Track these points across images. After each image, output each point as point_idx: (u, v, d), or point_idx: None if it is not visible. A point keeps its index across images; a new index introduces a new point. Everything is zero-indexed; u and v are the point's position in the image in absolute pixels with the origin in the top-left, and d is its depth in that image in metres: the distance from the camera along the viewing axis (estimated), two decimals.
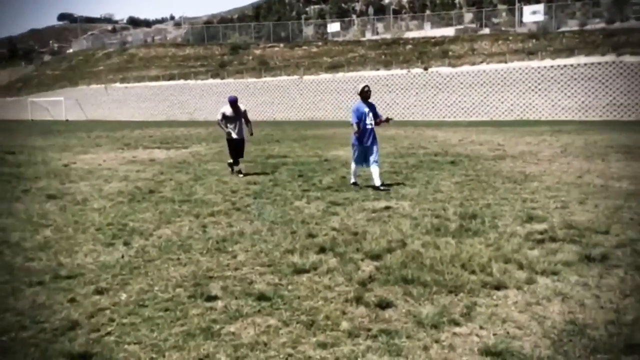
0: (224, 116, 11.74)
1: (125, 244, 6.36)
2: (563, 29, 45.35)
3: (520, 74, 37.06)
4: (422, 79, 41.52)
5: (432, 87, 41.00)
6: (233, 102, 11.55)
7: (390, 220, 7.12)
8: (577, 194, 8.80)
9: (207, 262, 5.54)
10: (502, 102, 37.75)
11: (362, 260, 5.46)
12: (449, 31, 52.44)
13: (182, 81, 53.77)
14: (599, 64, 33.73)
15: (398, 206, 8.11)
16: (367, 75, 43.19)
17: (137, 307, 4.45)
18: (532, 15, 49.27)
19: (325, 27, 61.72)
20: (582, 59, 34.82)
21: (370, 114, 9.75)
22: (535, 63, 36.85)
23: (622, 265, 5.11)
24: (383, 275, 4.97)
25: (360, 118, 9.66)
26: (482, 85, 38.74)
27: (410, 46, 47.90)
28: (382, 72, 43.58)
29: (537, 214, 7.27)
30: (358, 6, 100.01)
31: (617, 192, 8.97)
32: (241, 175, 11.56)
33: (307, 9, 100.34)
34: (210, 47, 62.15)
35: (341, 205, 8.26)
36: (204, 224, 7.24)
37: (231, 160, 12.03)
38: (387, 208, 7.94)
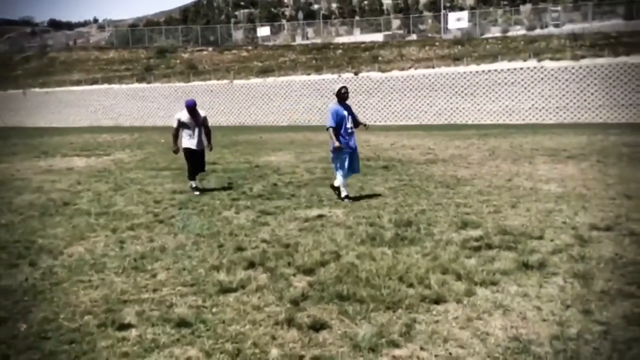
0: (180, 123, 9.99)
1: (31, 264, 5.71)
2: (487, 35, 46.85)
3: (447, 79, 37.89)
4: (352, 84, 41.69)
5: (363, 92, 41.27)
6: (191, 107, 9.86)
7: (323, 230, 6.79)
8: (508, 198, 8.79)
9: (122, 284, 5.00)
10: (431, 107, 38.47)
11: (294, 275, 5.08)
12: (378, 37, 53.08)
13: (105, 85, 51.65)
14: (521, 69, 34.95)
15: (331, 214, 7.80)
16: (298, 80, 42.99)
17: (37, 340, 3.89)
18: (457, 22, 50.65)
19: (255, 31, 61.12)
20: (505, 65, 35.97)
21: (350, 117, 8.99)
22: (461, 68, 37.75)
23: (560, 272, 4.98)
24: (316, 292, 4.62)
25: (340, 123, 8.80)
26: (411, 90, 39.34)
27: (340, 51, 48.11)
28: (314, 77, 43.46)
29: (472, 220, 7.14)
30: (288, 11, 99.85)
31: (546, 195, 9.04)
32: (197, 193, 9.85)
33: (237, 12, 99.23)
34: (136, 50, 60.15)
35: (272, 214, 7.86)
36: (121, 239, 6.65)
37: (193, 183, 10.14)
38: (320, 217, 7.61)
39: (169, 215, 7.98)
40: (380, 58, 44.33)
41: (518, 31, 46.68)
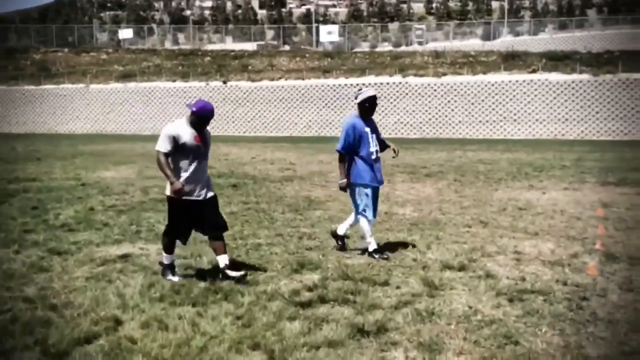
0: (176, 146, 5.07)
1: None
2: (356, 49, 47.43)
3: (317, 91, 37.48)
4: (221, 93, 40.01)
5: (232, 101, 39.72)
6: (208, 116, 5.19)
7: (118, 279, 5.23)
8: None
9: None
10: (301, 118, 37.82)
11: None
12: (251, 46, 51.95)
13: None
14: (387, 83, 35.37)
15: (142, 252, 6.25)
16: (162, 87, 40.51)
17: None
18: (328, 35, 50.90)
19: (117, 33, 57.26)
20: (372, 79, 36.25)
21: (374, 137, 6.26)
22: (331, 81, 37.55)
23: (402, 341, 3.87)
24: None
25: (358, 144, 6.09)
26: (281, 100, 38.45)
27: (209, 58, 46.19)
28: (179, 84, 41.18)
29: (311, 259, 5.95)
30: (158, 15, 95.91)
31: (400, 221, 8.15)
32: (175, 279, 5.26)
33: (102, 14, 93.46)
34: None
35: (63, 253, 6.13)
36: None
37: (168, 259, 5.37)
38: (125, 257, 6.03)
39: None
40: (250, 67, 43.07)
41: (385, 47, 47.75)
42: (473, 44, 45.20)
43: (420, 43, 47.81)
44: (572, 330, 4.06)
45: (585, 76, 31.38)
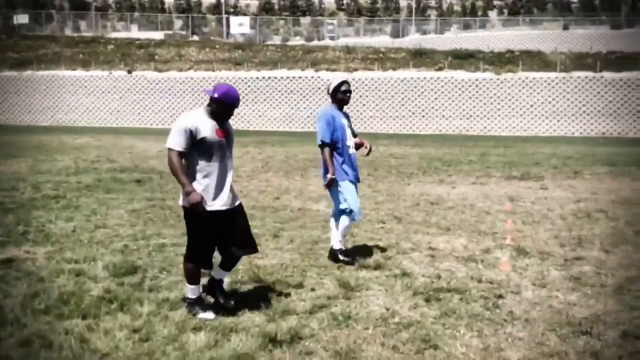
0: (195, 143, 4.01)
1: None
2: (268, 42, 46.89)
3: (228, 83, 36.64)
4: (125, 83, 38.19)
5: (138, 92, 38.02)
6: (233, 103, 4.13)
7: None
8: (272, 223, 7.44)
9: None
10: None
11: None
12: (158, 35, 49.99)
13: None
14: (300, 77, 35.19)
15: (28, 256, 5.58)
16: (62, 75, 38.08)
17: None
18: (239, 27, 50.01)
19: (12, 18, 53.30)
20: (284, 72, 35.93)
21: (349, 130, 5.75)
22: (242, 73, 36.83)
23: (317, 350, 3.59)
24: None
25: (338, 137, 5.55)
26: (190, 92, 37.26)
27: (112, 47, 43.97)
28: (80, 73, 38.88)
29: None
30: (58, 1, 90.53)
31: (314, 217, 7.91)
32: (211, 316, 4.12)
33: None
34: None
35: None
36: None
37: (199, 289, 4.34)
38: (8, 262, 5.34)
39: None
40: (157, 57, 41.41)
41: (297, 41, 47.56)
42: (383, 40, 45.95)
43: (332, 38, 48.03)
44: (491, 331, 3.95)
45: (488, 74, 32.72)
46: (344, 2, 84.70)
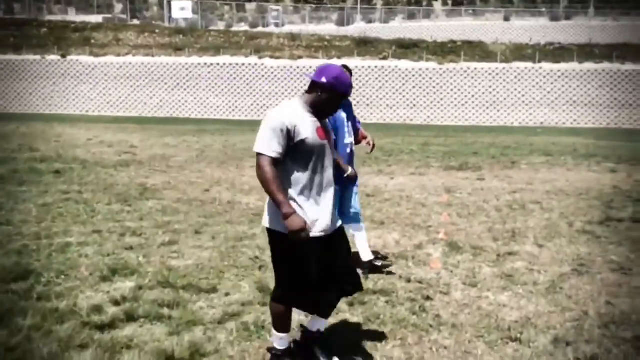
0: (292, 147, 2.99)
1: None
2: (211, 28, 45.65)
3: (169, 69, 35.46)
4: (59, 68, 36.41)
5: (72, 77, 36.32)
6: (346, 93, 3.07)
7: None
8: (196, 218, 6.94)
9: None
10: (151, 98, 35.59)
11: None
12: (96, 19, 47.89)
13: None
14: (243, 64, 34.40)
15: None
16: None
17: None
18: (181, 11, 48.55)
19: None
20: (227, 59, 35.05)
21: (349, 125, 4.85)
22: (183, 59, 35.71)
23: None
24: None
25: (342, 136, 4.71)
26: (129, 78, 35.85)
27: (45, 30, 41.83)
28: (11, 57, 36.81)
29: (128, 261, 5.04)
30: None
31: (243, 212, 7.45)
32: None
33: None
34: None
35: None
36: None
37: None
38: None
39: None
40: (93, 41, 39.68)
41: (242, 27, 46.56)
42: (328, 28, 45.51)
43: (276, 25, 47.21)
44: (415, 339, 3.62)
45: (431, 64, 32.87)
46: None
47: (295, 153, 2.97)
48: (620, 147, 17.36)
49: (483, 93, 31.85)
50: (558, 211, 7.73)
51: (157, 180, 9.80)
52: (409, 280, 4.74)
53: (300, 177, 3.01)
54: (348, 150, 4.76)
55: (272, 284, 4.44)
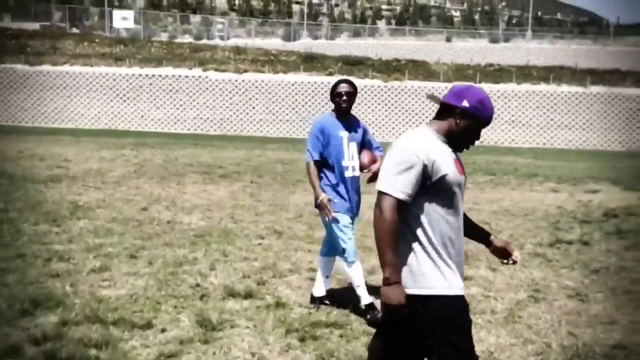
0: (428, 185, 2.41)
1: None
2: (154, 39, 44.65)
3: (108, 79, 34.28)
4: None
5: (5, 87, 34.59)
6: (490, 117, 2.55)
7: None
8: (132, 240, 6.43)
9: None
10: (89, 109, 34.26)
11: None
12: (35, 26, 45.97)
13: None
14: (187, 77, 33.65)
15: None
16: None
17: None
18: (123, 21, 47.32)
19: None
20: (170, 70, 34.22)
21: (353, 146, 4.43)
22: (123, 70, 34.62)
23: None
24: None
25: (330, 152, 4.36)
26: (65, 88, 34.44)
27: None
28: None
29: (53, 291, 4.52)
30: None
31: (184, 233, 6.99)
32: None
33: None
34: None
35: None
36: None
37: None
38: None
39: None
40: (29, 49, 37.98)
41: (186, 39, 45.76)
42: (274, 43, 45.40)
43: (221, 38, 46.70)
44: None
45: (376, 81, 33.14)
46: (236, 2, 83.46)
47: (431, 194, 2.41)
48: (558, 167, 17.81)
49: (427, 111, 32.32)
50: (507, 232, 7.66)
51: (91, 197, 9.17)
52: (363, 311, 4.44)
53: (438, 223, 2.42)
54: (348, 174, 4.36)
55: (215, 316, 4.06)
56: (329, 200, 4.28)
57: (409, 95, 32.45)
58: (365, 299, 4.36)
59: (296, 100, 32.64)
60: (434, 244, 2.40)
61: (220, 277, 5.14)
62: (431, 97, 2.67)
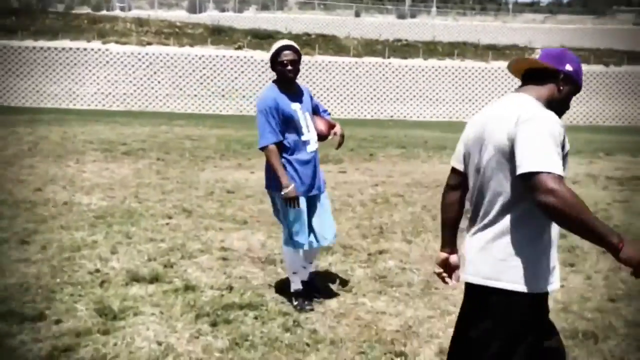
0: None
1: None
2: (49, 9, 41.56)
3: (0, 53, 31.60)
4: None
5: None
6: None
7: None
8: (23, 224, 5.84)
9: None
10: None
11: None
12: None
13: None
14: (85, 49, 31.63)
15: None
16: None
17: None
18: None
19: None
20: (67, 43, 32.01)
21: (307, 117, 3.94)
22: (15, 42, 31.98)
23: None
24: None
25: (288, 131, 3.87)
26: None
27: None
28: None
29: None
30: None
31: (82, 214, 6.45)
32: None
33: None
34: None
35: None
36: None
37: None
38: None
39: None
40: None
41: (83, 9, 42.98)
42: (178, 15, 43.57)
43: (122, 9, 44.23)
44: None
45: None
46: None
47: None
48: None
49: (337, 86, 32.40)
50: (420, 204, 7.72)
51: None
52: (280, 290, 4.24)
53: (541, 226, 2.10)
54: (308, 148, 3.90)
55: (116, 304, 3.73)
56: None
57: (320, 70, 32.34)
58: (296, 285, 4.03)
59: (204, 74, 31.62)
60: (552, 238, 2.11)
61: (122, 261, 4.75)
62: (516, 61, 2.26)
